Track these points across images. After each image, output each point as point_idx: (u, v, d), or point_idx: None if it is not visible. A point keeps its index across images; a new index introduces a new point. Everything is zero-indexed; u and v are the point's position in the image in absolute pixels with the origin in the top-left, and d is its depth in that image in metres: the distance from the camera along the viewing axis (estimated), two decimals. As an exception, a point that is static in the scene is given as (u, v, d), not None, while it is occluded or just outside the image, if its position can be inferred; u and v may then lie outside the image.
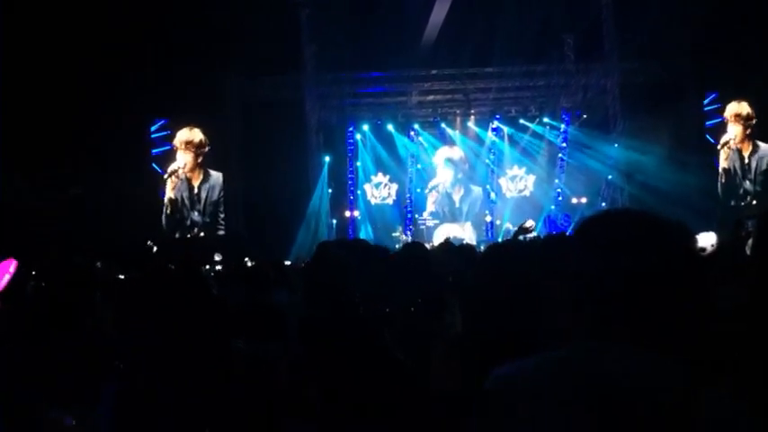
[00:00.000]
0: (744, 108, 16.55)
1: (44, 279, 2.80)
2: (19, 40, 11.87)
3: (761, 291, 1.89)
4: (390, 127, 16.94)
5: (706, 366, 1.25)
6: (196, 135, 15.49)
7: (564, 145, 17.04)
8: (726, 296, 2.03)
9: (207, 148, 15.56)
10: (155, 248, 10.41)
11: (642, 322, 1.17)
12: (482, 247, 8.30)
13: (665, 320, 1.18)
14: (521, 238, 6.14)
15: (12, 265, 2.98)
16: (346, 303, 2.02)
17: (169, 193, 15.42)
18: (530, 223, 5.78)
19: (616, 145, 16.39)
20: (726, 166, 16.58)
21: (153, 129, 15.44)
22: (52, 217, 12.39)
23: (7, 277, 2.94)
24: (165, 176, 15.40)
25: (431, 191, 17.27)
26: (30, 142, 12.59)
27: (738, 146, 16.64)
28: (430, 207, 17.27)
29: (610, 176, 16.57)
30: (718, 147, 16.64)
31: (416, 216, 17.11)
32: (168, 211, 15.42)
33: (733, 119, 16.58)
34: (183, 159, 15.47)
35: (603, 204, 16.65)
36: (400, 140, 17.03)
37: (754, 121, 16.54)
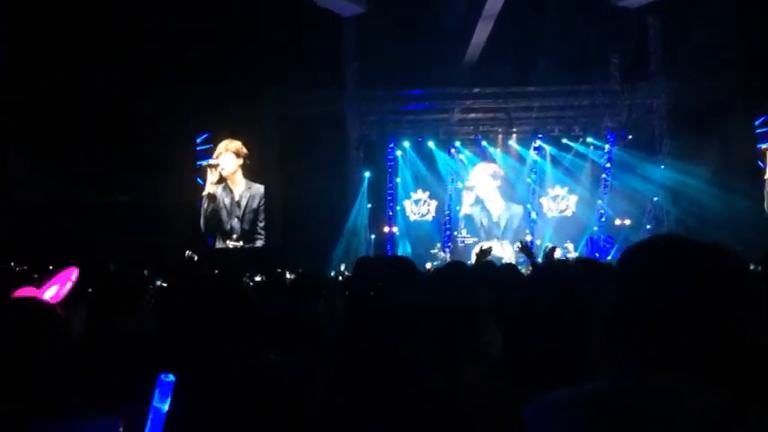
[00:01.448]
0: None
1: (96, 286, 2.88)
2: (78, 57, 12.35)
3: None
4: (431, 144, 16.96)
5: (748, 396, 1.19)
6: (236, 143, 15.82)
7: (608, 165, 16.77)
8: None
9: (247, 160, 15.83)
10: (195, 257, 10.65)
11: (685, 351, 1.15)
12: (524, 268, 8.21)
13: (708, 349, 1.15)
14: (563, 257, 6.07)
15: (74, 274, 3.08)
16: (383, 319, 2.02)
17: (208, 188, 15.69)
18: (550, 247, 5.69)
19: (662, 166, 16.07)
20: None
21: (198, 141, 15.81)
22: (99, 220, 12.78)
23: (69, 285, 3.04)
24: (205, 164, 15.63)
25: (465, 189, 17.17)
26: (83, 149, 13.05)
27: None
28: (464, 209, 17.15)
29: (655, 198, 16.23)
30: (761, 149, 16.11)
31: (455, 233, 17.03)
32: (206, 207, 15.65)
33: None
34: (225, 165, 15.78)
35: (648, 227, 16.31)
36: (441, 158, 17.03)
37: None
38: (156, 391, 1.61)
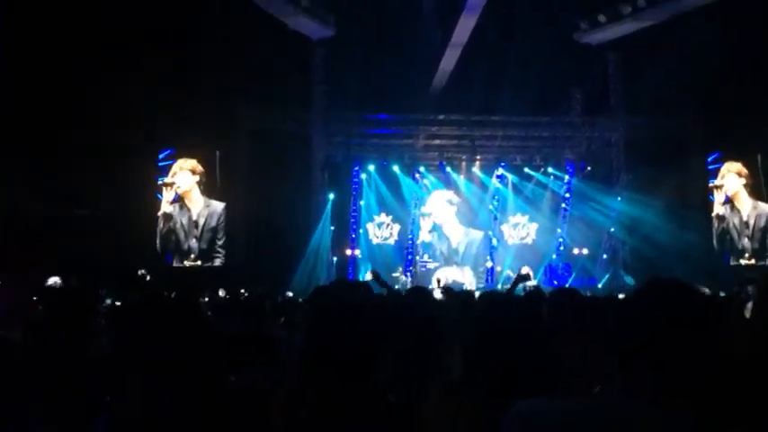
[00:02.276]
0: (740, 166, 16.70)
1: (49, 303, 2.81)
2: (39, 65, 12.10)
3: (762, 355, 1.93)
4: (396, 168, 17.09)
5: (719, 417, 1.34)
6: (191, 161, 15.60)
7: (567, 195, 17.15)
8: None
9: (204, 178, 15.61)
10: (148, 277, 10.42)
11: (668, 376, 1.29)
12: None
13: (690, 375, 1.29)
14: (521, 285, 6.17)
15: (11, 294, 3.01)
16: (347, 342, 2.04)
17: (163, 207, 15.37)
18: (526, 270, 5.83)
19: (619, 198, 16.51)
20: (724, 223, 16.59)
21: (160, 157, 15.56)
22: (55, 234, 12.44)
23: (6, 305, 2.97)
24: (160, 183, 15.35)
25: (423, 216, 17.29)
26: (40, 160, 12.72)
27: (736, 203, 16.71)
28: (423, 236, 17.24)
29: (612, 229, 16.63)
30: (710, 186, 16.64)
31: (417, 258, 17.10)
32: (161, 227, 15.33)
33: (731, 173, 16.68)
34: (181, 181, 15.52)
35: (605, 257, 16.69)
36: (405, 182, 17.15)
37: (749, 181, 16.64)
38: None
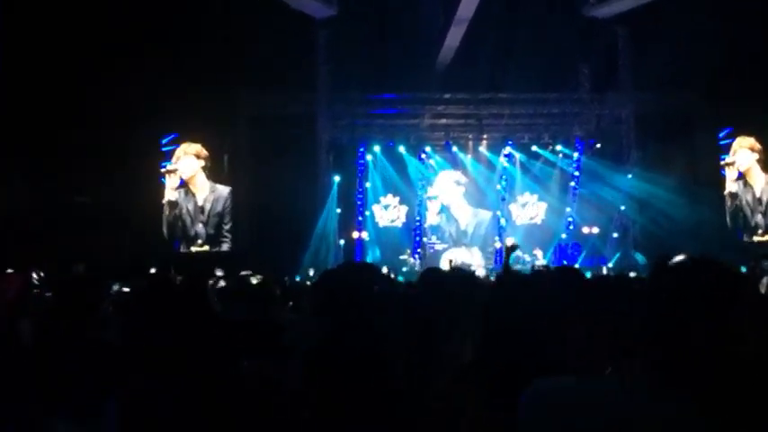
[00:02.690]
0: (753, 141, 16.47)
1: (56, 291, 2.80)
2: (31, 49, 11.95)
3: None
4: (402, 149, 16.89)
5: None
6: (196, 145, 15.48)
7: (576, 174, 16.92)
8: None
9: (209, 162, 15.51)
10: (152, 269, 10.41)
11: (682, 357, 1.23)
12: (492, 276, 8.14)
13: (705, 355, 1.23)
14: (524, 261, 6.02)
15: (20, 279, 2.98)
16: (357, 328, 1.93)
17: (168, 195, 15.31)
18: (511, 241, 5.76)
19: (629, 175, 16.28)
20: (737, 200, 16.40)
21: (164, 142, 15.44)
22: (56, 224, 12.38)
23: (17, 291, 2.95)
24: (163, 171, 15.27)
25: (429, 200, 17.13)
26: (37, 148, 12.63)
27: (749, 179, 16.51)
28: (431, 219, 17.10)
29: (622, 207, 16.43)
30: (722, 163, 16.45)
31: (425, 239, 16.97)
32: (167, 214, 15.28)
33: (743, 148, 16.47)
34: (185, 168, 15.42)
35: (615, 235, 16.52)
36: (411, 163, 16.96)
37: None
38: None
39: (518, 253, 16.22)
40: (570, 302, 2.61)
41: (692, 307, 1.23)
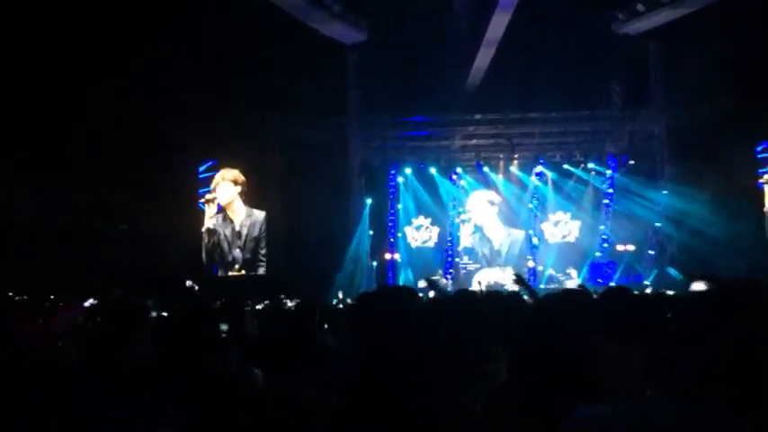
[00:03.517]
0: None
1: (99, 316, 2.87)
2: (81, 80, 12.41)
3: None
4: (433, 170, 16.97)
5: None
6: (234, 171, 15.84)
7: (610, 191, 16.75)
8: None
9: (245, 188, 15.83)
10: (195, 287, 10.58)
11: (731, 386, 1.25)
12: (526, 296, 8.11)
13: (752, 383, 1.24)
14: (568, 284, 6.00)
15: (77, 308, 3.08)
16: (394, 350, 1.98)
17: (207, 223, 15.66)
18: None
19: (664, 192, 16.03)
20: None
21: (202, 169, 15.82)
22: (98, 248, 12.71)
23: (72, 318, 3.04)
24: (202, 201, 15.63)
25: (462, 222, 17.09)
26: (84, 174, 13.02)
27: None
28: (464, 241, 17.06)
29: (658, 224, 16.16)
30: (761, 177, 16.08)
31: (457, 260, 16.94)
32: (206, 242, 15.62)
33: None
34: (223, 193, 15.76)
35: (651, 253, 16.24)
36: (442, 184, 17.02)
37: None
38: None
39: (551, 272, 16.09)
40: (609, 322, 2.64)
41: (739, 325, 1.26)
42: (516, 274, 5.41)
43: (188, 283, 11.49)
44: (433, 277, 16.11)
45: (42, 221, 12.51)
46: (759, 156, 16.30)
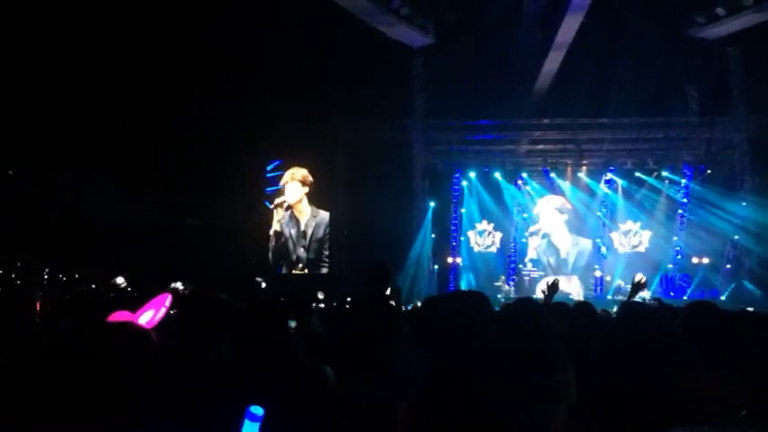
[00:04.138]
0: None
1: (183, 310, 2.84)
2: (159, 82, 12.89)
3: None
4: (498, 175, 16.75)
5: None
6: (303, 171, 16.09)
7: (685, 201, 16.08)
8: None
9: (313, 188, 16.07)
10: (263, 284, 10.80)
11: None
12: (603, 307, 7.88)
13: None
14: (638, 296, 5.77)
15: (167, 299, 3.11)
16: (463, 357, 1.94)
17: (275, 226, 16.00)
18: (639, 277, 5.41)
19: (743, 203, 15.28)
20: None
21: (269, 168, 16.17)
22: (168, 241, 13.15)
23: (163, 311, 3.07)
24: (272, 207, 15.99)
25: (531, 235, 16.75)
26: (158, 172, 13.52)
27: None
28: (531, 254, 16.74)
29: (736, 236, 15.40)
30: None
31: (520, 266, 16.64)
32: (273, 244, 15.98)
33: None
34: (291, 192, 16.05)
35: (728, 266, 15.50)
36: (507, 189, 16.77)
37: None
38: (245, 421, 1.55)
39: (620, 283, 15.57)
40: (701, 343, 2.51)
41: None
42: (633, 283, 5.19)
43: (258, 280, 11.73)
44: (496, 283, 15.88)
45: (117, 217, 13.06)
46: None
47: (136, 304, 3.03)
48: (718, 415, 2.12)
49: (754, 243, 15.03)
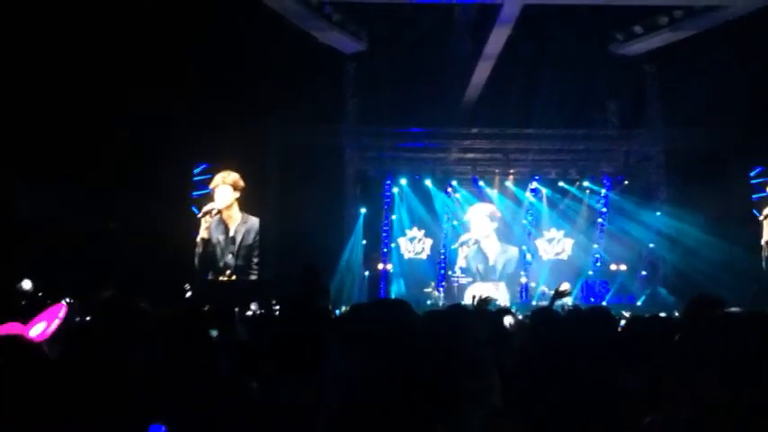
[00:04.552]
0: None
1: (94, 316, 2.74)
2: (75, 77, 12.33)
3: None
4: (428, 182, 16.96)
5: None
6: (234, 175, 15.76)
7: (604, 210, 16.79)
8: None
9: (243, 192, 15.77)
10: (188, 293, 10.48)
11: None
12: (516, 311, 8.05)
13: None
14: (558, 302, 5.94)
15: (62, 311, 2.97)
16: (388, 366, 1.93)
17: (202, 233, 15.58)
18: (565, 286, 5.60)
19: (659, 213, 16.09)
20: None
21: (196, 171, 15.74)
22: (85, 246, 12.58)
23: (57, 322, 2.93)
24: (200, 215, 15.58)
25: (461, 245, 17.04)
26: (78, 172, 12.92)
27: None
28: (461, 262, 17.02)
29: (651, 245, 16.20)
30: (761, 218, 16.19)
31: (450, 273, 16.89)
32: (200, 251, 15.54)
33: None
34: (221, 197, 15.69)
35: (644, 273, 16.26)
36: (437, 196, 17.00)
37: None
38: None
39: (544, 289, 16.05)
40: (609, 347, 2.58)
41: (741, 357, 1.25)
42: (557, 290, 5.33)
43: (185, 286, 11.39)
44: (426, 289, 16.04)
45: (34, 217, 12.39)
46: (753, 181, 16.41)
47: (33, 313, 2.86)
48: (628, 418, 2.19)
49: (669, 251, 15.85)
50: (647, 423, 1.74)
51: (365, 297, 15.04)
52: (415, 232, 17.17)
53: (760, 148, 15.76)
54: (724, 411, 1.24)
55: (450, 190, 16.97)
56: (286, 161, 15.75)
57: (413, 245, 17.16)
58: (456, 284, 16.69)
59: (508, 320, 4.81)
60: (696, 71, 14.04)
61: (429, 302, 15.07)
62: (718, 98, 14.15)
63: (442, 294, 16.13)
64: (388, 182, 16.91)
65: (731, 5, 13.28)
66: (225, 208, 15.73)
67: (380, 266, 16.55)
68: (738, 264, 14.83)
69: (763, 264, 15.95)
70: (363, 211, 16.48)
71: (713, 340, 1.33)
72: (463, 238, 17.05)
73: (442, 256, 16.91)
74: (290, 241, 14.95)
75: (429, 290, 16.20)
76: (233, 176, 15.70)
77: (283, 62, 13.65)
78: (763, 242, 16.11)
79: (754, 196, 16.31)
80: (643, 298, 15.80)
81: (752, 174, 16.42)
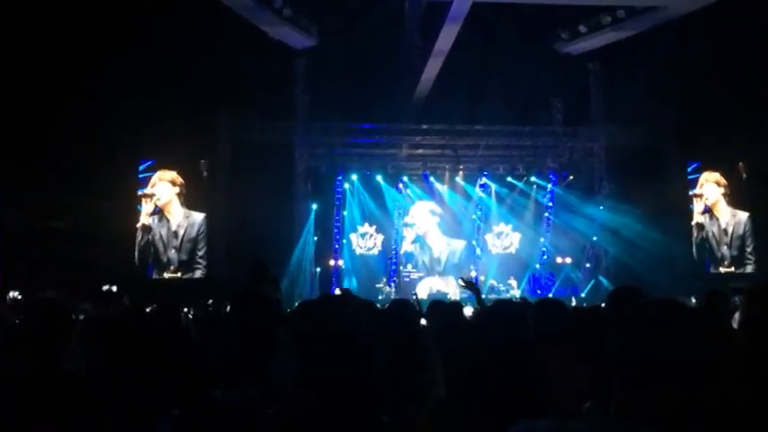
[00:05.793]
0: (719, 176, 17.06)
1: (23, 316, 2.71)
2: (17, 72, 11.90)
3: (751, 367, 1.90)
4: (379, 178, 17.03)
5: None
6: (171, 173, 15.49)
7: (550, 204, 17.22)
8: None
9: (184, 189, 15.51)
10: (114, 289, 10.32)
11: (663, 402, 1.25)
12: (469, 304, 8.21)
13: (686, 400, 1.26)
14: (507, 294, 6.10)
15: None
16: (339, 359, 1.97)
17: (143, 220, 15.23)
18: (468, 276, 5.80)
19: (601, 207, 16.59)
20: (703, 232, 16.90)
21: (140, 168, 15.39)
22: (32, 245, 12.20)
23: None
24: (140, 195, 15.21)
25: (414, 242, 17.25)
26: (21, 171, 12.48)
27: (715, 212, 17.03)
28: (406, 246, 17.19)
29: (594, 238, 16.71)
30: (691, 194, 16.88)
31: (401, 268, 17.03)
32: (140, 239, 15.16)
33: (709, 182, 17.04)
34: (161, 194, 15.39)
35: (588, 266, 16.76)
36: (388, 192, 17.10)
37: (728, 190, 17.01)
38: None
39: (492, 282, 16.38)
40: (551, 336, 2.69)
41: (665, 343, 1.28)
42: (466, 280, 5.45)
43: (105, 287, 11.16)
44: (377, 285, 16.15)
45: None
46: (690, 176, 17.13)
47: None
48: (570, 405, 2.30)
49: (610, 244, 16.39)
50: (586, 409, 1.82)
51: (317, 293, 15.02)
52: (367, 228, 17.23)
53: (696, 145, 16.46)
54: (641, 401, 1.30)
55: (401, 186, 17.09)
56: (235, 157, 15.56)
57: (364, 240, 17.22)
58: (407, 279, 16.88)
59: (468, 312, 4.94)
60: (637, 70, 14.54)
61: (380, 297, 15.18)
62: (658, 96, 14.71)
63: (394, 289, 16.26)
64: (340, 178, 16.91)
65: (670, 6, 13.79)
66: (165, 204, 15.44)
67: (332, 262, 16.54)
68: (676, 255, 15.48)
69: (694, 248, 16.72)
70: (315, 206, 16.43)
71: (627, 330, 1.39)
72: (407, 219, 17.27)
73: (393, 252, 17.04)
74: (241, 238, 14.78)
75: (380, 285, 16.30)
76: (170, 173, 15.44)
77: (233, 58, 13.46)
78: (693, 224, 16.90)
79: (690, 191, 17.04)
80: (587, 289, 16.30)
81: (689, 169, 17.13)
